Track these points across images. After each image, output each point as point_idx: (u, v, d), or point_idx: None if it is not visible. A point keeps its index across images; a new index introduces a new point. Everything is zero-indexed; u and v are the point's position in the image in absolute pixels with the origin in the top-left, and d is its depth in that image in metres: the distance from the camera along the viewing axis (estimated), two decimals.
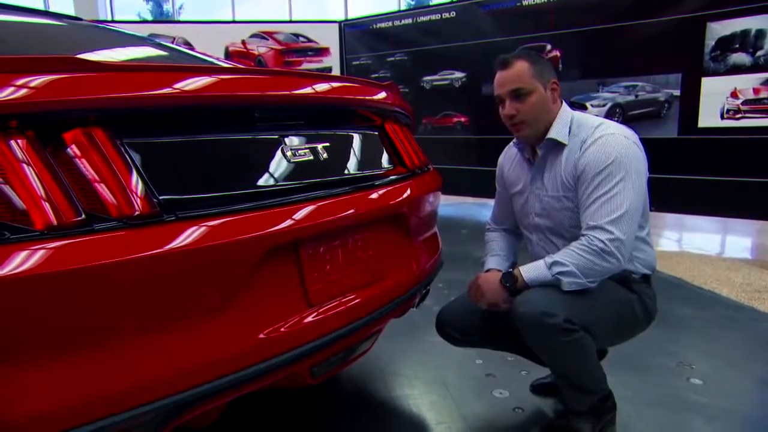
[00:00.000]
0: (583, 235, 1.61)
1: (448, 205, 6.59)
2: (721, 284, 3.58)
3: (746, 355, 2.47)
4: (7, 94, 0.90)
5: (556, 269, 1.60)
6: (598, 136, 1.66)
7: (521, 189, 1.87)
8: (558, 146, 1.73)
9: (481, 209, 6.54)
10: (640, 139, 1.71)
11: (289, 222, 1.24)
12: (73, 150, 0.97)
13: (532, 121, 1.71)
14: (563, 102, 1.77)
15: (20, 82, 0.92)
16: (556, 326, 1.55)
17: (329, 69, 7.26)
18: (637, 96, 4.87)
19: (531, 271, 1.64)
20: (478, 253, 3.59)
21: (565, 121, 1.73)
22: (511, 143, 1.91)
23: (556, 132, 1.72)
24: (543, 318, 1.56)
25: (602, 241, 1.57)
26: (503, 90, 1.71)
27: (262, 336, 1.18)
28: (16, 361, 0.88)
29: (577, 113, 1.77)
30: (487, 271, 1.86)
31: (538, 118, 1.71)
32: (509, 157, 1.95)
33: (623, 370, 2.12)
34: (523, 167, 1.87)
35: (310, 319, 1.30)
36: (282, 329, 1.22)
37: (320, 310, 1.33)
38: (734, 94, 4.36)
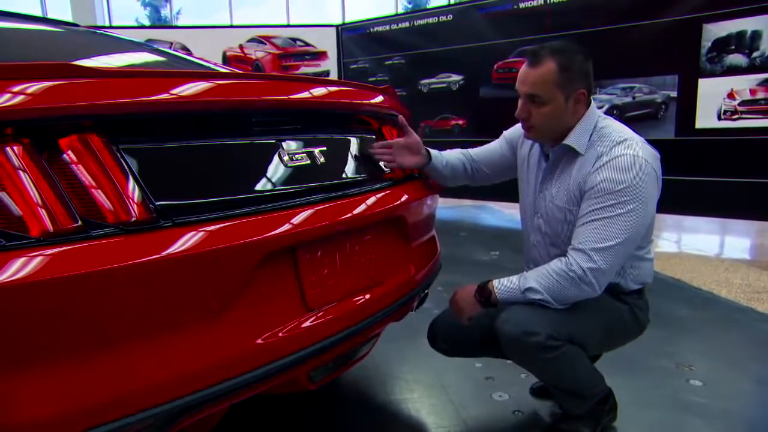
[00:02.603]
0: (565, 255, 1.57)
1: (446, 208, 6.59)
2: (719, 285, 3.58)
3: (746, 356, 2.47)
4: (2, 101, 0.90)
5: (530, 295, 1.57)
6: (616, 155, 1.54)
7: (530, 182, 1.79)
8: (573, 153, 1.63)
9: (479, 212, 6.54)
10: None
11: (286, 227, 1.24)
12: (69, 156, 0.97)
13: (542, 128, 1.64)
14: (592, 105, 1.65)
15: (16, 89, 0.92)
16: (539, 344, 1.53)
17: (327, 73, 7.27)
18: (634, 98, 4.88)
19: (504, 291, 1.62)
20: (477, 256, 3.58)
21: (587, 129, 1.62)
22: None
23: (574, 140, 1.62)
24: (525, 337, 1.54)
25: (582, 269, 1.52)
26: (521, 89, 1.62)
27: (260, 341, 1.18)
28: (15, 368, 0.88)
29: (603, 120, 1.65)
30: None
31: (550, 128, 1.63)
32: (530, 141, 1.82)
33: (622, 372, 2.11)
34: (540, 160, 1.77)
35: (308, 323, 1.29)
36: (280, 334, 1.22)
37: (318, 315, 1.33)
38: (731, 95, 4.37)
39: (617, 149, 1.56)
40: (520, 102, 1.64)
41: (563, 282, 1.54)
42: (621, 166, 1.53)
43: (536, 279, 1.58)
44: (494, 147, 1.98)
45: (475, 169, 1.97)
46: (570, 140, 1.63)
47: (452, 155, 1.96)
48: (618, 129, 1.64)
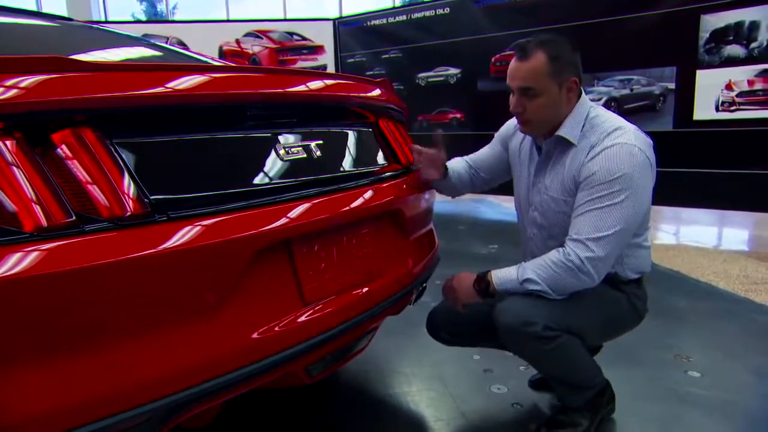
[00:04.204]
0: (563, 246, 1.57)
1: (444, 201, 6.57)
2: (718, 277, 3.59)
3: (743, 347, 2.47)
4: None
5: (528, 286, 1.57)
6: (609, 145, 1.54)
7: (524, 176, 1.80)
8: (566, 144, 1.63)
9: (478, 205, 6.54)
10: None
11: (282, 221, 1.23)
12: (63, 151, 0.96)
13: (538, 121, 1.64)
14: (582, 95, 1.65)
15: (8, 82, 0.91)
16: (537, 334, 1.54)
17: (324, 67, 7.25)
18: (632, 90, 4.87)
19: (502, 282, 1.61)
20: (475, 250, 3.58)
21: (579, 120, 1.62)
22: None
23: (567, 130, 1.62)
24: (523, 327, 1.55)
25: (579, 258, 1.52)
26: (513, 83, 1.62)
27: (256, 335, 1.18)
28: (10, 363, 0.88)
29: (594, 110, 1.65)
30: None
31: (545, 120, 1.63)
32: (521, 134, 1.82)
33: (620, 364, 2.12)
34: (532, 152, 1.77)
35: (305, 317, 1.29)
36: (277, 328, 1.22)
37: (316, 309, 1.33)
38: (729, 87, 4.36)
39: (610, 138, 1.56)
40: (513, 97, 1.64)
41: (561, 272, 1.54)
42: (615, 155, 1.53)
43: (534, 270, 1.58)
44: (489, 150, 1.99)
45: (474, 175, 1.99)
46: (563, 131, 1.63)
47: (459, 165, 1.97)
48: (610, 118, 1.64)
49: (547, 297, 1.57)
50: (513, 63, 1.62)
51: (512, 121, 1.87)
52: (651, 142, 1.61)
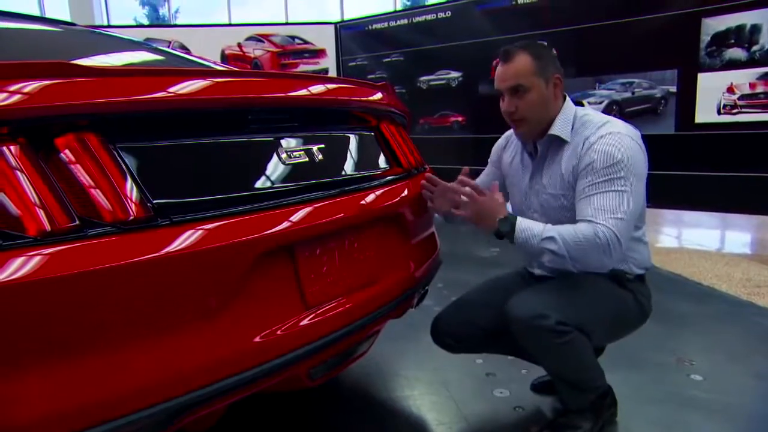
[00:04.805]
0: (591, 223, 1.54)
1: None
2: (720, 280, 3.58)
3: (746, 351, 2.47)
4: None
5: (545, 244, 1.54)
6: (603, 134, 1.61)
7: (520, 183, 1.84)
8: (559, 143, 1.69)
9: None
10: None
11: (284, 224, 1.24)
12: (66, 155, 0.97)
13: (531, 118, 1.68)
14: (567, 97, 1.73)
15: (12, 88, 0.92)
16: (549, 328, 1.55)
17: (326, 71, 7.26)
18: (633, 93, 4.87)
19: (524, 231, 1.56)
20: (477, 252, 3.58)
21: (568, 118, 1.69)
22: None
23: (559, 128, 1.68)
24: (535, 320, 1.56)
25: (607, 238, 1.51)
26: (503, 85, 1.68)
27: (259, 339, 1.18)
28: (15, 367, 0.88)
29: (581, 110, 1.73)
30: None
31: (538, 116, 1.68)
32: (512, 144, 1.90)
33: (623, 367, 2.11)
34: (524, 160, 1.83)
35: (307, 321, 1.29)
36: (279, 332, 1.22)
37: (318, 312, 1.33)
38: (730, 90, 4.36)
39: (603, 130, 1.63)
40: (503, 101, 1.70)
41: (587, 246, 1.52)
42: (611, 143, 1.59)
43: (560, 232, 1.54)
44: (485, 175, 2.03)
45: None
46: (555, 130, 1.69)
47: None
48: (599, 115, 1.72)
49: (558, 257, 1.54)
50: (500, 68, 1.70)
51: (500, 141, 1.98)
52: (639, 132, 1.68)
